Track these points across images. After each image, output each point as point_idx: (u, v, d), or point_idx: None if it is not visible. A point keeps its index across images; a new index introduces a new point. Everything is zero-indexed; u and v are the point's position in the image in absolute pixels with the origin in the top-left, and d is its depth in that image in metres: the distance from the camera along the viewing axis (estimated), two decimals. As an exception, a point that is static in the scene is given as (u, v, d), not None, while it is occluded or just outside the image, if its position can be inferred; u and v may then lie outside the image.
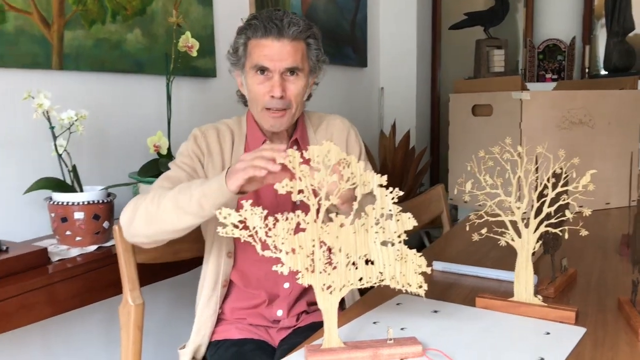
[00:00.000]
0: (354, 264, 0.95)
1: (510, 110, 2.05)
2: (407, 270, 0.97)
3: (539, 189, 1.11)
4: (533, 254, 1.11)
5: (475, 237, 1.11)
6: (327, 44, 1.41)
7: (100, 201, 1.52)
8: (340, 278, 0.94)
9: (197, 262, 1.44)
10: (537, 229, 1.10)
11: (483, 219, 1.11)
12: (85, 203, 1.49)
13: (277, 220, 0.91)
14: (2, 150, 1.58)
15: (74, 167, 1.55)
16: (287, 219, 0.91)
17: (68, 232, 1.50)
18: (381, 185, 0.95)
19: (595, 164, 1.11)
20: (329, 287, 0.94)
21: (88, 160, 1.75)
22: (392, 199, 0.95)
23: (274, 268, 0.91)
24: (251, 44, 1.31)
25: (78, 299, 1.43)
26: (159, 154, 1.74)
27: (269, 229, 0.91)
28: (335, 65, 3.11)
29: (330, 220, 0.94)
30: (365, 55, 3.49)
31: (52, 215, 1.51)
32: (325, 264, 0.93)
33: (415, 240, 3.58)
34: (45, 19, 1.64)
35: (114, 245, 1.43)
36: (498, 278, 1.33)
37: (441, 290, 1.26)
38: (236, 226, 0.91)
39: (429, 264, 0.99)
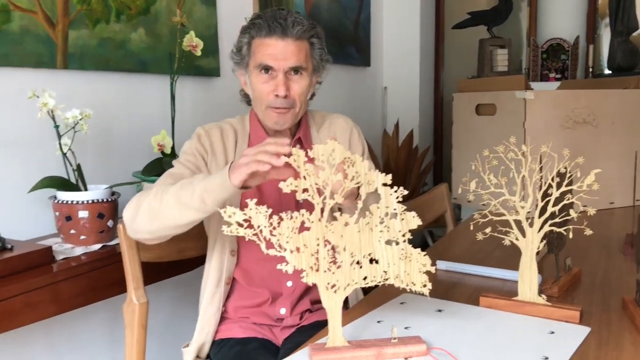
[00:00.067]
0: (358, 262, 0.95)
1: (514, 109, 2.05)
2: (412, 269, 0.97)
3: (544, 188, 1.11)
4: (537, 253, 1.11)
5: (480, 236, 1.11)
6: (331, 44, 1.41)
7: (105, 200, 1.53)
8: (344, 277, 0.94)
9: (200, 260, 1.44)
10: (541, 228, 1.10)
11: (487, 218, 1.11)
12: (90, 202, 1.50)
13: (281, 219, 0.91)
14: (7, 149, 1.59)
15: (78, 166, 1.55)
16: (291, 217, 0.91)
17: (72, 231, 1.50)
18: (385, 184, 0.95)
19: (599, 163, 1.11)
20: (334, 286, 0.94)
21: (92, 159, 1.75)
22: (397, 198, 0.95)
23: (279, 267, 0.91)
24: (255, 43, 1.31)
25: (82, 298, 1.43)
26: (162, 153, 1.74)
27: (274, 228, 0.91)
28: (338, 65, 3.10)
29: (335, 219, 0.94)
30: (369, 55, 3.49)
31: (57, 214, 1.51)
32: (330, 262, 0.93)
33: (419, 240, 3.58)
34: (50, 18, 1.64)
35: (118, 244, 1.43)
36: (502, 277, 1.33)
37: (445, 289, 1.26)
38: (241, 225, 0.91)
39: (433, 263, 0.99)
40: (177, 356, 1.47)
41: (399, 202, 0.95)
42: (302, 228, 0.92)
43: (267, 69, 1.30)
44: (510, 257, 1.32)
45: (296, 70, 1.31)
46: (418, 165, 3.39)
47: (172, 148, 1.75)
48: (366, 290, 1.25)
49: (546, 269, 1.32)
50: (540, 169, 1.12)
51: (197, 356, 1.38)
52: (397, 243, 0.96)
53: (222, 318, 1.40)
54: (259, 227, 0.91)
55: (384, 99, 3.73)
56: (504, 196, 1.11)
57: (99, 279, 1.46)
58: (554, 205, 1.10)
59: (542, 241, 1.11)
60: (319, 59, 1.36)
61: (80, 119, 1.50)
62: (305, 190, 0.92)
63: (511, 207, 1.11)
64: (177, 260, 1.45)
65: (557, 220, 1.11)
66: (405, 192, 0.95)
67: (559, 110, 2.04)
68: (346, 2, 3.20)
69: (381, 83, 3.72)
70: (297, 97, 1.32)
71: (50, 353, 1.72)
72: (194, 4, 2.12)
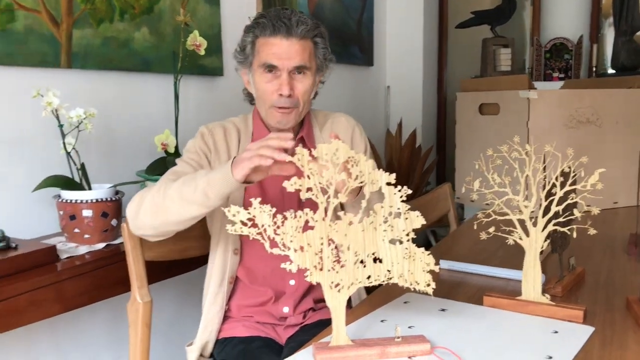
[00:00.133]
0: (362, 261, 0.95)
1: (518, 109, 2.05)
2: (415, 268, 0.97)
3: (547, 187, 1.11)
4: (541, 252, 1.11)
5: (483, 235, 1.11)
6: (334, 43, 1.41)
7: (109, 199, 1.53)
8: (348, 276, 0.94)
9: (204, 259, 1.45)
10: (545, 227, 1.10)
11: (491, 218, 1.11)
12: (94, 201, 1.50)
13: (285, 218, 0.91)
14: (12, 148, 1.59)
15: (82, 165, 1.56)
16: (295, 216, 0.91)
17: (76, 230, 1.51)
18: (389, 184, 0.95)
19: (602, 163, 1.10)
20: (337, 285, 0.94)
21: (96, 158, 1.76)
22: (401, 197, 0.95)
23: (283, 266, 0.92)
24: (259, 42, 1.31)
25: (86, 296, 1.44)
26: (166, 152, 1.74)
27: (278, 227, 0.91)
28: (341, 64, 3.11)
29: (338, 218, 0.94)
30: (372, 54, 3.49)
31: (61, 213, 1.52)
32: (334, 262, 0.94)
33: (422, 239, 3.58)
34: (54, 17, 1.65)
35: (122, 243, 1.44)
36: (505, 277, 1.33)
37: (448, 288, 1.26)
38: (245, 224, 0.91)
39: (436, 263, 0.99)
40: (180, 355, 1.47)
41: (402, 201, 0.95)
42: (306, 227, 0.92)
43: (271, 68, 1.30)
44: (514, 257, 1.32)
45: (300, 69, 1.31)
46: (421, 164, 3.39)
47: (176, 147, 1.75)
48: (369, 290, 1.25)
49: (550, 268, 1.32)
50: (544, 168, 1.12)
51: (201, 355, 1.38)
52: (401, 242, 0.96)
53: (226, 317, 1.41)
54: (263, 226, 0.91)
55: (387, 98, 3.72)
56: (508, 195, 1.11)
57: (102, 277, 1.46)
58: (557, 205, 1.10)
59: (545, 241, 1.11)
60: (323, 58, 1.37)
61: (84, 118, 1.51)
62: (309, 189, 0.92)
63: (515, 207, 1.11)
64: (180, 259, 1.45)
65: (560, 219, 1.11)
66: (409, 192, 0.95)
67: (562, 110, 2.03)
68: (349, 1, 3.20)
69: (384, 82, 3.72)
70: (301, 96, 1.32)
71: (54, 351, 1.73)
72: (198, 3, 2.12)
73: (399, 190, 0.95)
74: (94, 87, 1.79)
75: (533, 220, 1.11)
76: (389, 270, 0.96)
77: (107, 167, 1.82)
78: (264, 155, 1.03)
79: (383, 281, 0.96)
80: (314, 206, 0.93)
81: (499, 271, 1.35)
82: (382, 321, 1.08)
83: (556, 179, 1.11)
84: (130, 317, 1.33)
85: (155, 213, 1.19)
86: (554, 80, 3.71)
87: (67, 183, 1.53)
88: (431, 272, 0.98)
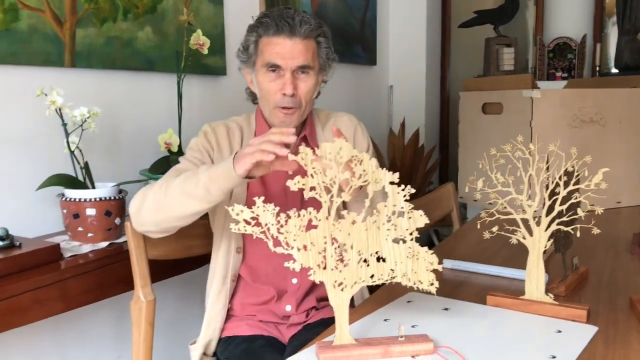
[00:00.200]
0: (365, 261, 0.95)
1: (521, 108, 2.04)
2: (419, 267, 0.97)
3: (551, 187, 1.11)
4: (544, 252, 1.11)
5: (487, 235, 1.11)
6: (337, 42, 1.41)
7: (112, 198, 1.53)
8: (351, 275, 0.94)
9: (207, 258, 1.45)
10: (548, 227, 1.10)
11: (494, 217, 1.11)
12: (97, 199, 1.50)
13: (289, 217, 0.91)
14: (15, 147, 1.60)
15: (86, 163, 1.56)
16: (299, 215, 0.91)
17: (80, 229, 1.51)
18: (393, 183, 0.95)
19: (606, 162, 1.10)
20: (341, 284, 0.94)
21: (100, 157, 1.76)
22: (404, 196, 0.95)
23: (286, 265, 0.92)
24: (262, 41, 1.32)
25: (90, 295, 1.44)
26: (169, 151, 1.75)
27: (281, 226, 0.91)
28: (344, 64, 3.10)
29: (342, 217, 0.94)
30: (375, 54, 3.49)
31: (64, 211, 1.52)
32: (337, 260, 0.94)
33: (425, 239, 3.58)
34: (57, 17, 1.65)
35: (125, 242, 1.44)
36: (509, 276, 1.33)
37: (451, 288, 1.26)
38: (248, 222, 0.91)
39: (440, 262, 0.98)
40: (183, 353, 1.48)
41: (406, 200, 0.95)
42: (310, 226, 0.92)
43: (274, 67, 1.30)
44: (517, 256, 1.32)
45: (303, 69, 1.31)
46: (424, 164, 3.39)
47: (179, 146, 1.75)
48: (372, 289, 1.25)
49: (553, 268, 1.32)
50: (547, 168, 1.11)
51: (204, 353, 1.38)
52: (405, 241, 0.96)
53: (229, 315, 1.41)
54: (266, 225, 0.91)
55: (390, 97, 3.72)
56: (511, 195, 1.11)
57: (106, 276, 1.46)
58: (561, 204, 1.10)
59: (549, 240, 1.11)
60: (326, 57, 1.37)
61: (88, 117, 1.51)
62: (312, 188, 0.92)
63: (518, 206, 1.11)
64: (183, 258, 1.45)
65: (564, 219, 1.11)
66: (413, 191, 0.95)
67: (566, 109, 2.03)
68: (352, 0, 3.20)
69: (387, 82, 3.72)
70: (304, 96, 1.32)
71: (57, 350, 1.73)
72: (201, 2, 2.12)
73: (403, 190, 0.95)
74: (98, 86, 1.80)
75: (536, 219, 1.11)
76: (392, 270, 0.96)
77: (110, 166, 1.82)
78: (265, 150, 1.04)
79: (386, 280, 0.96)
80: (316, 204, 0.93)
81: (502, 270, 1.35)
82: (385, 320, 1.08)
83: (560, 178, 1.11)
84: (134, 315, 1.34)
85: (158, 209, 1.19)
86: (557, 80, 3.70)
87: (70, 182, 1.54)
88: (434, 271, 0.98)
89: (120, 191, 1.59)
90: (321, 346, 0.94)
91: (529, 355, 0.94)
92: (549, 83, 3.62)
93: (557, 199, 1.10)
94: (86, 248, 1.49)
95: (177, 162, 1.36)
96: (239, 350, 1.33)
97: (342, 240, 0.94)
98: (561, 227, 1.11)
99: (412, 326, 1.05)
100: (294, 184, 0.92)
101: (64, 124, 1.51)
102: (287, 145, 1.05)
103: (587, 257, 1.44)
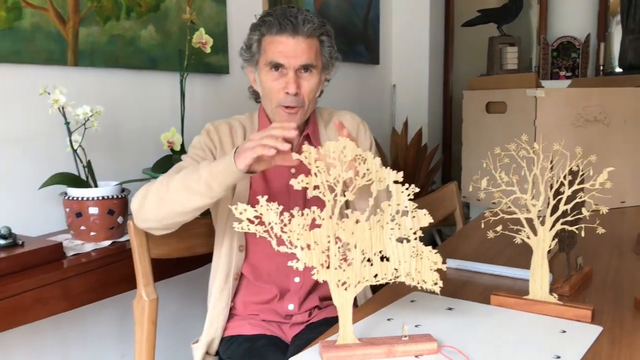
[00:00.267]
0: (369, 260, 0.94)
1: (525, 107, 2.04)
2: (423, 267, 0.96)
3: (555, 186, 1.10)
4: (548, 252, 1.11)
5: (491, 234, 1.11)
6: (340, 41, 1.41)
7: (115, 196, 1.53)
8: (355, 274, 0.94)
9: (209, 257, 1.45)
10: (553, 226, 1.09)
11: (498, 217, 1.11)
12: (100, 198, 1.50)
13: (292, 216, 0.91)
14: (18, 146, 1.60)
15: (88, 162, 1.56)
16: (302, 214, 0.91)
17: (82, 227, 1.51)
18: (397, 182, 0.94)
19: (610, 161, 1.10)
20: (344, 283, 0.94)
21: (102, 155, 1.76)
22: (408, 195, 0.94)
23: (290, 264, 0.91)
24: (265, 40, 1.31)
25: (92, 294, 1.44)
26: (172, 150, 1.74)
27: (284, 225, 0.91)
28: (347, 63, 3.10)
29: (345, 216, 0.94)
30: (378, 53, 3.48)
31: (67, 210, 1.52)
32: (341, 260, 0.93)
33: (427, 238, 3.57)
34: (61, 15, 1.65)
35: (128, 241, 1.44)
36: (512, 276, 1.33)
37: (455, 287, 1.26)
38: (252, 222, 0.90)
39: (443, 261, 0.98)
40: (185, 353, 1.47)
41: (410, 199, 0.94)
42: (313, 225, 0.92)
43: (277, 66, 1.30)
44: (521, 256, 1.31)
45: (306, 68, 1.31)
46: (427, 163, 3.38)
47: (182, 145, 1.75)
48: (374, 289, 1.25)
49: (557, 267, 1.32)
50: (552, 167, 1.11)
51: (207, 353, 1.38)
52: (408, 240, 0.96)
53: (231, 314, 1.41)
54: (269, 224, 0.91)
55: (392, 96, 3.72)
56: (515, 194, 1.10)
57: (108, 275, 1.46)
58: (565, 204, 1.10)
59: (553, 240, 1.10)
60: (329, 56, 1.36)
61: (91, 116, 1.51)
62: (316, 187, 0.92)
63: (522, 206, 1.10)
64: (186, 257, 1.45)
65: (568, 218, 1.10)
66: (417, 190, 0.95)
67: (570, 109, 2.02)
68: (355, -1, 3.20)
69: (390, 81, 3.71)
70: (307, 95, 1.32)
71: (60, 349, 1.73)
72: (204, 1, 2.12)
73: (407, 189, 0.94)
74: (101, 84, 1.80)
75: (541, 219, 1.10)
76: (396, 269, 0.96)
77: (113, 165, 1.82)
78: (267, 145, 1.03)
79: (390, 279, 0.96)
80: (319, 202, 0.92)
81: (506, 270, 1.35)
82: (388, 320, 1.08)
83: (564, 177, 1.11)
84: (136, 314, 1.33)
85: (159, 205, 1.19)
86: (560, 79, 3.69)
87: (73, 180, 1.54)
88: (438, 270, 0.97)
89: (122, 190, 1.58)
90: (325, 345, 0.94)
91: (534, 355, 0.93)
92: (552, 82, 3.61)
93: (561, 199, 1.10)
94: (89, 247, 1.49)
95: (180, 160, 1.36)
96: (242, 349, 1.32)
97: (346, 239, 0.93)
98: (566, 226, 1.11)
99: (416, 326, 1.04)
100: (297, 183, 0.91)
101: (67, 123, 1.51)
102: (288, 140, 1.04)
103: (591, 257, 1.43)
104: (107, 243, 1.52)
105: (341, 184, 0.92)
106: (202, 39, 1.77)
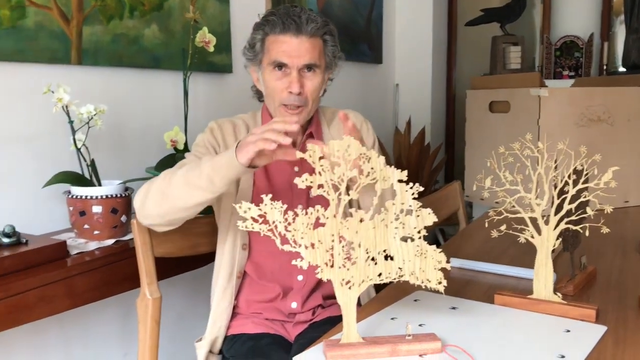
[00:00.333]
0: (373, 259, 0.94)
1: (528, 106, 2.03)
2: (427, 266, 0.96)
3: (560, 185, 1.10)
4: (552, 251, 1.10)
5: (495, 233, 1.11)
6: (343, 41, 1.41)
7: (118, 195, 1.53)
8: (359, 273, 0.94)
9: (212, 256, 1.45)
10: (557, 226, 1.09)
11: (502, 216, 1.10)
12: (103, 197, 1.50)
13: (296, 214, 0.91)
14: (22, 144, 1.60)
15: (92, 161, 1.56)
16: (306, 213, 0.91)
17: (86, 226, 1.51)
18: (401, 181, 0.94)
19: (614, 161, 1.09)
20: (348, 282, 0.94)
21: (106, 154, 1.76)
22: (412, 194, 0.94)
23: (294, 262, 0.91)
24: (269, 39, 1.31)
25: (96, 292, 1.44)
26: (175, 149, 1.75)
27: (289, 224, 0.91)
28: (350, 62, 3.10)
29: (349, 215, 0.94)
30: (381, 52, 3.48)
31: (71, 208, 1.52)
32: (345, 259, 0.93)
33: (430, 238, 3.57)
34: (64, 14, 1.65)
35: (131, 239, 1.44)
36: (516, 275, 1.32)
37: (459, 287, 1.26)
38: (256, 220, 0.90)
39: (447, 261, 0.98)
40: (188, 351, 1.47)
41: (414, 198, 0.94)
42: (317, 224, 0.92)
43: (280, 65, 1.30)
44: (524, 255, 1.31)
45: (310, 67, 1.31)
46: (430, 162, 3.38)
47: (185, 144, 1.75)
48: (378, 288, 1.25)
49: (561, 267, 1.31)
50: (556, 166, 1.11)
51: (210, 351, 1.38)
52: (412, 240, 0.96)
53: (235, 313, 1.41)
54: (273, 222, 0.90)
55: (395, 96, 3.71)
56: (519, 193, 1.10)
57: (112, 273, 1.46)
58: (570, 203, 1.09)
59: (557, 239, 1.10)
60: (332, 56, 1.36)
61: (95, 115, 1.51)
62: (320, 186, 0.92)
63: (526, 205, 1.10)
64: (189, 256, 1.45)
65: (573, 218, 1.10)
66: (421, 189, 0.94)
67: (573, 108, 2.02)
68: (358, -2, 3.20)
69: (393, 80, 3.71)
70: (310, 94, 1.32)
71: (63, 347, 1.73)
72: (207, 0, 2.12)
73: (411, 188, 0.94)
74: (104, 83, 1.80)
75: (545, 218, 1.10)
76: (400, 268, 0.96)
77: (116, 164, 1.82)
78: (268, 139, 1.03)
79: (394, 279, 0.96)
80: (323, 199, 0.92)
81: (510, 269, 1.35)
82: (392, 319, 1.08)
83: (569, 176, 1.10)
84: (140, 313, 1.34)
85: (162, 200, 1.19)
86: (563, 79, 3.69)
87: (77, 179, 1.54)
88: (442, 269, 0.97)
89: (126, 188, 1.58)
90: (328, 344, 0.94)
91: (538, 355, 0.93)
92: (556, 82, 3.61)
93: (565, 198, 1.09)
94: (92, 245, 1.49)
95: (183, 159, 1.36)
96: (245, 348, 1.32)
97: (350, 238, 0.93)
98: (570, 226, 1.11)
99: (420, 325, 1.04)
100: (301, 182, 0.91)
101: (71, 122, 1.51)
102: (289, 135, 1.04)
103: (595, 257, 1.43)
104: (110, 242, 1.52)
105: (345, 182, 0.92)
106: (206, 38, 1.77)
